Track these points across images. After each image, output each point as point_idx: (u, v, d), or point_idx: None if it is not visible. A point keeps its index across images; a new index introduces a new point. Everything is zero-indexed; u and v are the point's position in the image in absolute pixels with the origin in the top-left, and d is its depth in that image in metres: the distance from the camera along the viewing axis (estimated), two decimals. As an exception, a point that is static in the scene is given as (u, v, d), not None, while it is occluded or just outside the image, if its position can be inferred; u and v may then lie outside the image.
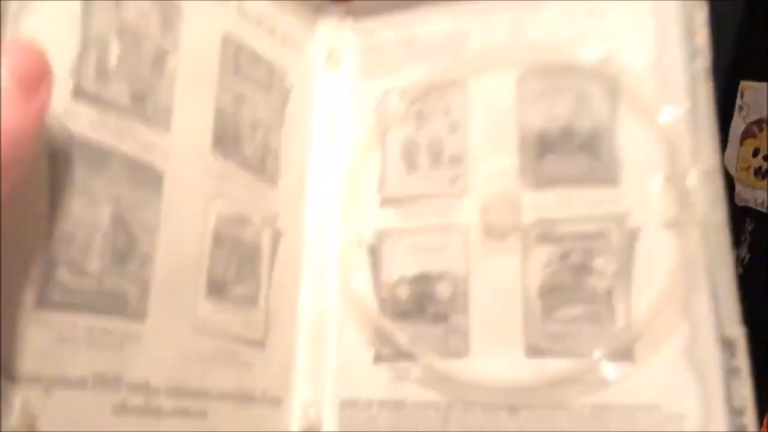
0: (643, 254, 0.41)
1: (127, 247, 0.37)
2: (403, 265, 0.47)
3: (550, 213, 0.44)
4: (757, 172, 1.12)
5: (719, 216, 0.40)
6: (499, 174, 0.46)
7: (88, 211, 0.35)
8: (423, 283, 0.46)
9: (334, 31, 0.53)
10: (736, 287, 0.39)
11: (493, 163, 0.46)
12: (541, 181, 0.45)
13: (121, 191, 0.37)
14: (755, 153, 1.13)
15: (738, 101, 1.14)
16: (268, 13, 0.49)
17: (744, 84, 1.14)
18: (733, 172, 1.14)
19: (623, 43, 0.45)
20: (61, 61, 0.35)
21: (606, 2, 0.45)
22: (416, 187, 0.48)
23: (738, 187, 1.13)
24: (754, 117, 1.13)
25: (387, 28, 0.52)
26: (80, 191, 0.35)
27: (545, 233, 0.44)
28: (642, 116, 0.43)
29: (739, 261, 1.07)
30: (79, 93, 0.36)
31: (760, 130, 1.12)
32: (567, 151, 0.45)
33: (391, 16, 0.52)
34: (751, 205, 1.12)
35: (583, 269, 0.42)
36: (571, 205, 0.44)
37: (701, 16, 0.42)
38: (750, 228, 1.10)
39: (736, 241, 1.08)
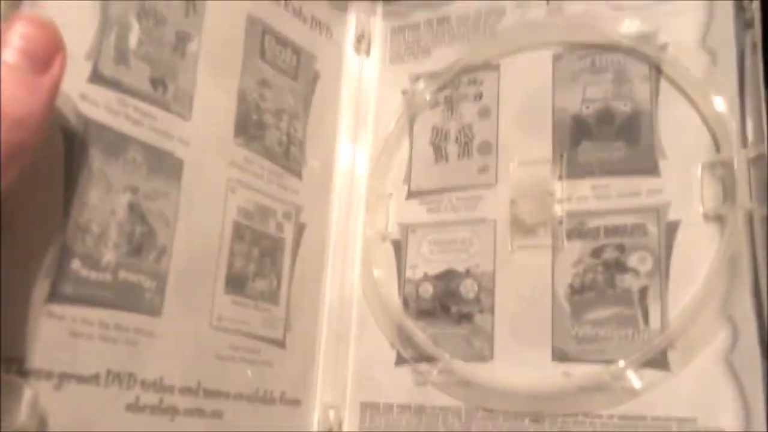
0: (681, 250, 0.39)
1: (144, 239, 0.36)
2: (427, 261, 0.46)
3: (583, 205, 0.42)
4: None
5: (766, 208, 0.37)
6: (531, 163, 0.44)
7: (104, 199, 0.34)
8: (448, 281, 0.45)
9: (365, 14, 0.52)
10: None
11: (525, 150, 0.45)
12: (575, 170, 0.43)
13: (139, 180, 0.36)
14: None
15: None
16: None
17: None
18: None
19: (667, 16, 0.43)
20: (78, 43, 0.34)
21: None
22: (444, 178, 0.47)
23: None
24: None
25: (419, 9, 0.51)
26: (96, 179, 0.34)
27: (577, 227, 0.42)
28: (686, 98, 0.41)
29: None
30: (96, 76, 0.34)
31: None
32: (603, 137, 0.43)
33: None
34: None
35: (616, 267, 0.41)
36: (605, 197, 0.42)
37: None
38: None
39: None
